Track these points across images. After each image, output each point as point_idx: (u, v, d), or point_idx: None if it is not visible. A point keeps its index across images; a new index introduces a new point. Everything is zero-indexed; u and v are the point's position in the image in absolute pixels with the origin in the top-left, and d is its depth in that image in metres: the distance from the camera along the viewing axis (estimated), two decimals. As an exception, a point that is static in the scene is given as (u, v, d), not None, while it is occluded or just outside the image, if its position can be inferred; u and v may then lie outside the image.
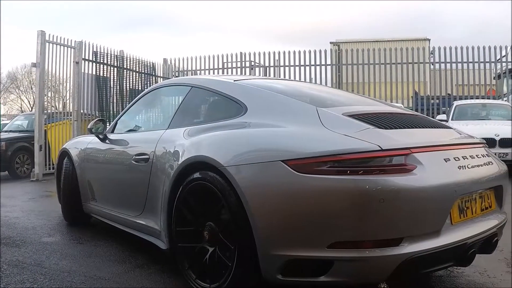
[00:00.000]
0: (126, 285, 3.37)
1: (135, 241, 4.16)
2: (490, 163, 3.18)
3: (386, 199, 2.46)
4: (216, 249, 3.01)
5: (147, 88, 9.06)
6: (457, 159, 2.88)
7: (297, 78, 15.47)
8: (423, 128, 3.22)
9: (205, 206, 3.09)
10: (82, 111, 12.06)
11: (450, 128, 3.59)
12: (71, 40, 11.71)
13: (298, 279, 2.71)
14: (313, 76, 15.79)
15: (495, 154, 8.88)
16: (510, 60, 14.83)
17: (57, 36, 11.26)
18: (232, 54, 16.67)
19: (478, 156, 3.10)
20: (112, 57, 13.08)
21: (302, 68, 15.96)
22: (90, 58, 12.30)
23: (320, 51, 15.85)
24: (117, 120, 4.95)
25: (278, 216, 2.69)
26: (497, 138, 9.52)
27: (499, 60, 15.12)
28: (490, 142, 9.19)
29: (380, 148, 2.56)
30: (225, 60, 16.69)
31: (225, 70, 16.62)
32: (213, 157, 3.02)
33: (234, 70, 16.66)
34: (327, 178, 2.54)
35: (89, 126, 4.84)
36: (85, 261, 3.95)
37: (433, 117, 13.18)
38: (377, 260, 2.53)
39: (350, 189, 2.49)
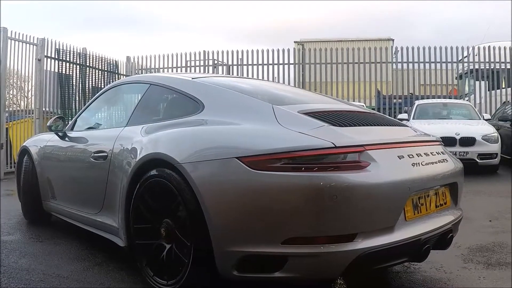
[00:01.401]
0: (85, 282, 3.37)
1: (94, 239, 4.14)
2: (445, 161, 3.26)
3: (340, 195, 2.51)
4: (173, 246, 3.02)
5: (110, 86, 8.95)
6: (411, 156, 2.95)
7: (260, 77, 15.56)
8: (379, 126, 3.28)
9: (162, 203, 3.11)
10: (44, 109, 11.86)
11: (406, 126, 3.66)
12: (34, 37, 11.49)
13: (254, 275, 2.75)
14: (276, 75, 15.89)
15: (456, 152, 9.15)
16: (472, 61, 15.12)
17: (19, 33, 11.02)
18: (195, 52, 16.69)
19: (433, 154, 3.18)
20: (75, 54, 12.91)
21: (266, 67, 16.09)
22: (53, 56, 12.10)
23: (284, 50, 16.01)
24: (77, 118, 4.92)
25: (233, 213, 2.73)
26: (458, 137, 9.71)
27: (461, 61, 15.41)
28: (450, 141, 9.40)
29: (334, 146, 2.61)
30: (188, 59, 16.72)
31: (188, 69, 16.61)
32: (169, 154, 3.04)
33: (197, 68, 16.64)
34: (281, 175, 2.58)
35: (48, 124, 4.79)
36: (44, 259, 3.93)
37: (394, 116, 13.38)
38: (331, 256, 2.58)
39: (304, 185, 2.54)
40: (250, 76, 15.55)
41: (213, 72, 15.96)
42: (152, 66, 16.84)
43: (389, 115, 12.04)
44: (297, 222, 2.58)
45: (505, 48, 14.80)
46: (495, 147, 9.82)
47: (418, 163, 2.95)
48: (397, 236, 2.73)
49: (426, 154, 3.09)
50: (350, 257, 2.57)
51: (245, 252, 2.68)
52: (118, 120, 4.74)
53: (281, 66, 16.05)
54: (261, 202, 2.63)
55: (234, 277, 2.74)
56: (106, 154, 3.80)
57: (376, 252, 2.63)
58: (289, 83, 15.19)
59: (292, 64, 16.39)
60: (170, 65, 16.74)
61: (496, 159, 9.83)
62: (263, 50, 16.07)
